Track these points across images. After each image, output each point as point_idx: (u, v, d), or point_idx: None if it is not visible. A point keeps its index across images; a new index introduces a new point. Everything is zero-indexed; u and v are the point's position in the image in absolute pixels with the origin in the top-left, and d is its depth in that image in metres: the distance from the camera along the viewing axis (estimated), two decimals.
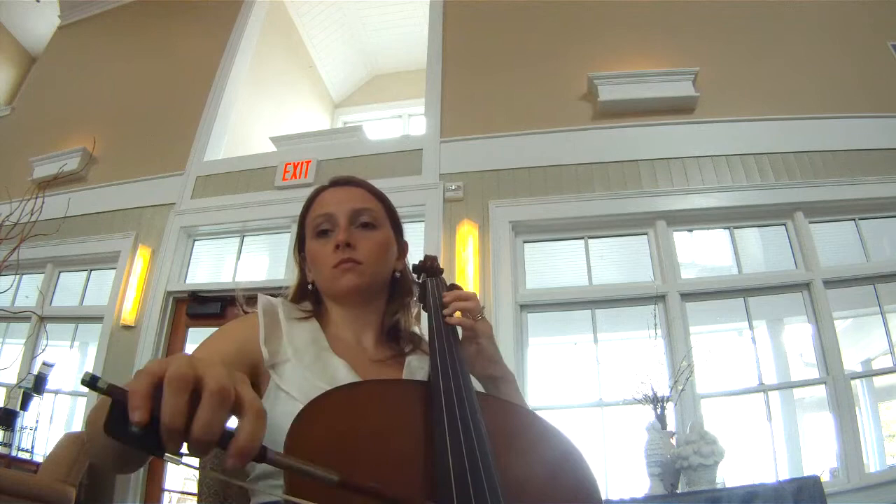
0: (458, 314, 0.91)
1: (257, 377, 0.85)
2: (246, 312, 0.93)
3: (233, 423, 0.46)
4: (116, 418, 0.42)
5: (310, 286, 1.00)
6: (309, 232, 0.99)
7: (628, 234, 3.49)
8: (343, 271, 0.93)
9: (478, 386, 0.94)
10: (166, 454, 0.43)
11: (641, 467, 2.61)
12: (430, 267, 1.07)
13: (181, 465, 0.44)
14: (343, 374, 0.85)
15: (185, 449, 0.44)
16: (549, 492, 0.67)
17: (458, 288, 1.00)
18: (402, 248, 1.06)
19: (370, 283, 0.95)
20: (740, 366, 3.11)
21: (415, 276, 1.07)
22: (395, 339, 1.00)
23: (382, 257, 0.97)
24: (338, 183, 1.03)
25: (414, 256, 1.11)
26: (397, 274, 1.02)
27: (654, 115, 3.67)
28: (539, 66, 4.04)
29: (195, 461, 0.48)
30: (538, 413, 0.94)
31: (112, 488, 3.27)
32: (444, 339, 0.84)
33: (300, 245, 1.03)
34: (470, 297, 0.92)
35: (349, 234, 0.94)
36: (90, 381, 0.41)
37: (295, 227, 3.93)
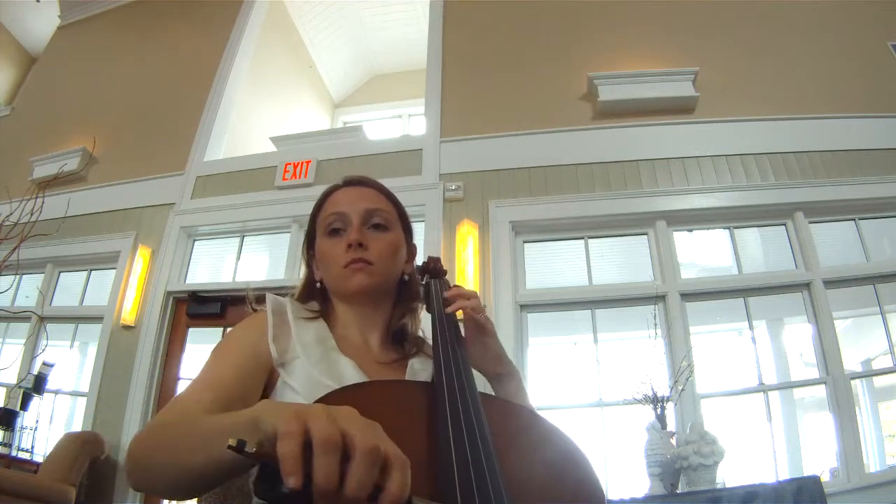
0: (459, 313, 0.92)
1: (272, 377, 0.85)
2: (255, 311, 0.93)
3: None
4: (266, 480, 0.43)
5: (318, 285, 1.00)
6: (320, 230, 0.99)
7: (628, 234, 3.50)
8: (354, 271, 0.92)
9: (481, 385, 0.94)
10: None
11: (641, 467, 2.61)
12: (433, 268, 1.07)
13: None
14: (350, 373, 0.85)
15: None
16: (552, 492, 0.67)
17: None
18: (412, 251, 1.05)
19: (380, 283, 0.95)
20: (740, 366, 3.11)
21: (418, 277, 1.07)
22: (399, 341, 1.00)
23: (393, 259, 0.97)
24: (351, 182, 1.02)
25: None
26: (406, 277, 1.02)
27: (654, 115, 3.67)
28: (539, 65, 4.04)
29: None
30: (539, 413, 0.95)
31: (112, 488, 3.27)
32: (448, 341, 0.84)
33: (309, 243, 1.02)
34: (472, 296, 0.93)
35: (361, 233, 0.94)
36: (238, 447, 0.42)
37: (295, 227, 3.92)
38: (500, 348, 0.94)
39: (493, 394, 0.93)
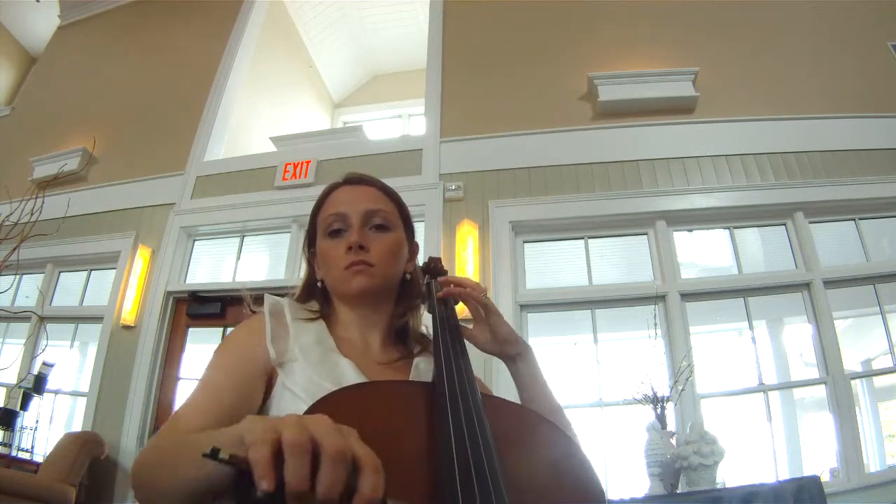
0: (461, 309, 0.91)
1: (272, 380, 0.85)
2: (253, 312, 0.93)
3: None
4: (241, 486, 0.45)
5: (319, 284, 0.99)
6: (320, 230, 0.97)
7: (628, 234, 3.50)
8: (354, 273, 0.91)
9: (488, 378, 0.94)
10: None
11: (641, 467, 2.61)
12: (433, 268, 1.06)
13: None
14: (350, 374, 0.84)
15: None
16: (553, 493, 0.67)
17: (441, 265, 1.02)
18: (413, 249, 1.04)
19: (381, 285, 0.94)
20: (740, 366, 3.11)
21: (421, 275, 1.07)
22: (402, 340, 0.99)
23: (394, 260, 0.96)
24: (351, 181, 1.01)
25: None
26: (408, 276, 1.01)
27: (654, 115, 3.67)
28: (539, 65, 4.04)
29: None
30: (557, 398, 0.95)
31: (112, 488, 3.27)
32: (448, 341, 0.83)
33: (310, 241, 1.01)
34: (467, 283, 0.93)
35: (362, 235, 0.93)
36: (212, 455, 0.44)
37: (295, 228, 3.90)
38: (507, 328, 0.94)
39: (492, 393, 0.93)
